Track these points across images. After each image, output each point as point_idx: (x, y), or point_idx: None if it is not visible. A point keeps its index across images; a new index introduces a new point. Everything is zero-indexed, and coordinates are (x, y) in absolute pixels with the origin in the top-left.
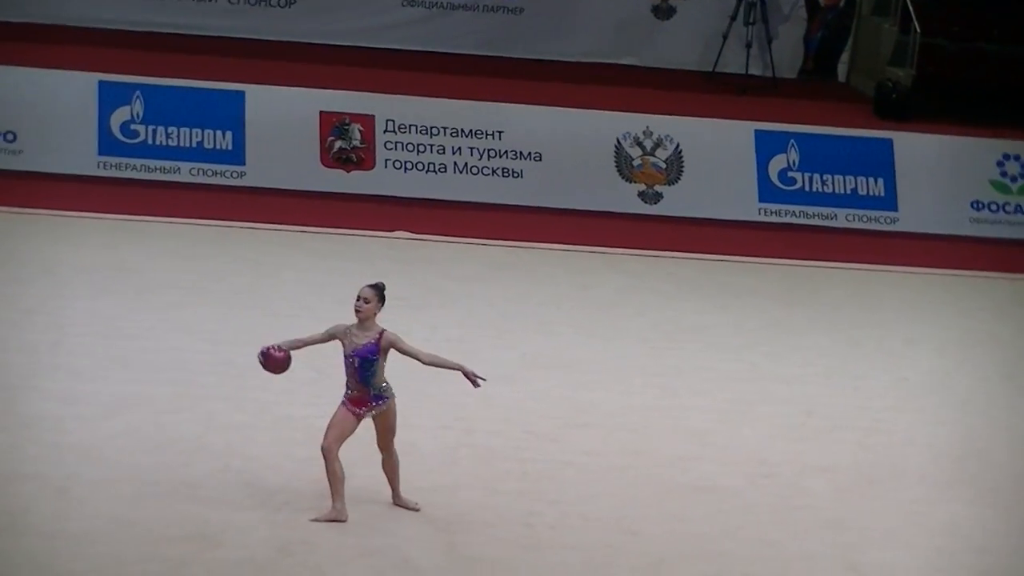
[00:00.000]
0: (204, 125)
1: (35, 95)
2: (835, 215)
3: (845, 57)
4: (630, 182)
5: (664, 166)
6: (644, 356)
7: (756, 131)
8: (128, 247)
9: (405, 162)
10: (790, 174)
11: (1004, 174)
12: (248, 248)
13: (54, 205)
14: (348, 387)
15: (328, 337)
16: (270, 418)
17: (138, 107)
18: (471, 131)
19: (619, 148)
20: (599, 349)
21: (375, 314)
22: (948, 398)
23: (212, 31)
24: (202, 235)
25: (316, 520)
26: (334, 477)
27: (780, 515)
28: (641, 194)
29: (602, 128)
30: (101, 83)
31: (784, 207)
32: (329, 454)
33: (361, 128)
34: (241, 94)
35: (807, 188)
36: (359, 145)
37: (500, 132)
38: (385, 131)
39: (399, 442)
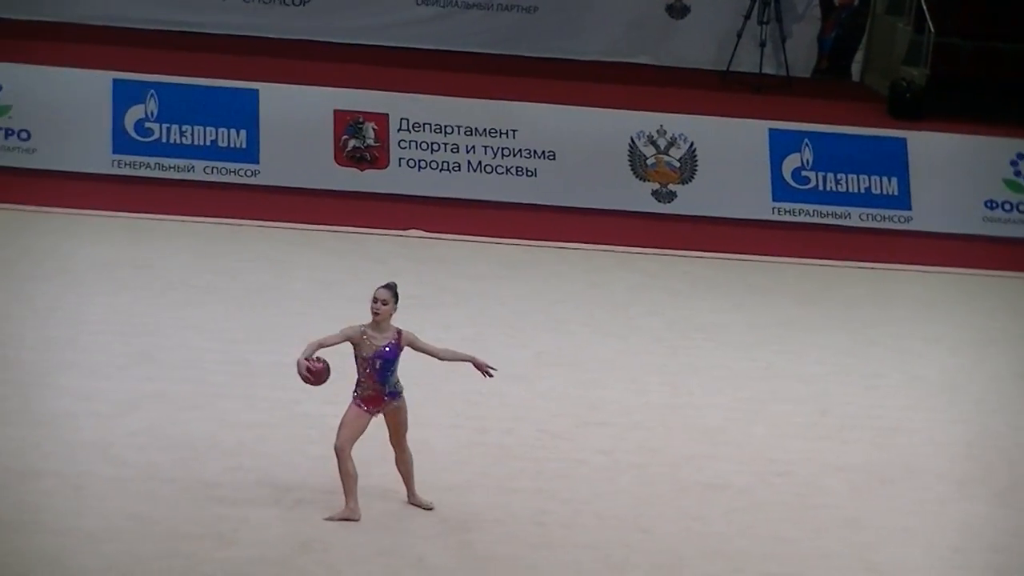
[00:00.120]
0: (218, 123)
1: (49, 93)
2: (849, 214)
3: (859, 56)
4: (644, 181)
5: (678, 165)
6: (658, 355)
7: (770, 130)
8: (142, 245)
9: (419, 161)
10: (804, 173)
11: (1018, 173)
12: (262, 246)
13: (68, 203)
14: (361, 387)
15: (343, 339)
16: (284, 416)
17: (152, 105)
18: (485, 130)
19: (633, 147)
20: (613, 348)
21: (391, 315)
22: (962, 397)
23: (226, 29)
24: (216, 233)
25: (330, 519)
26: (347, 476)
27: (795, 514)
28: (655, 193)
29: (616, 127)
30: (115, 81)
31: (798, 206)
32: (342, 453)
33: (375, 127)
34: (255, 92)
35: (821, 187)
36: (373, 144)
37: (514, 131)
38: (399, 130)
39: (412, 440)
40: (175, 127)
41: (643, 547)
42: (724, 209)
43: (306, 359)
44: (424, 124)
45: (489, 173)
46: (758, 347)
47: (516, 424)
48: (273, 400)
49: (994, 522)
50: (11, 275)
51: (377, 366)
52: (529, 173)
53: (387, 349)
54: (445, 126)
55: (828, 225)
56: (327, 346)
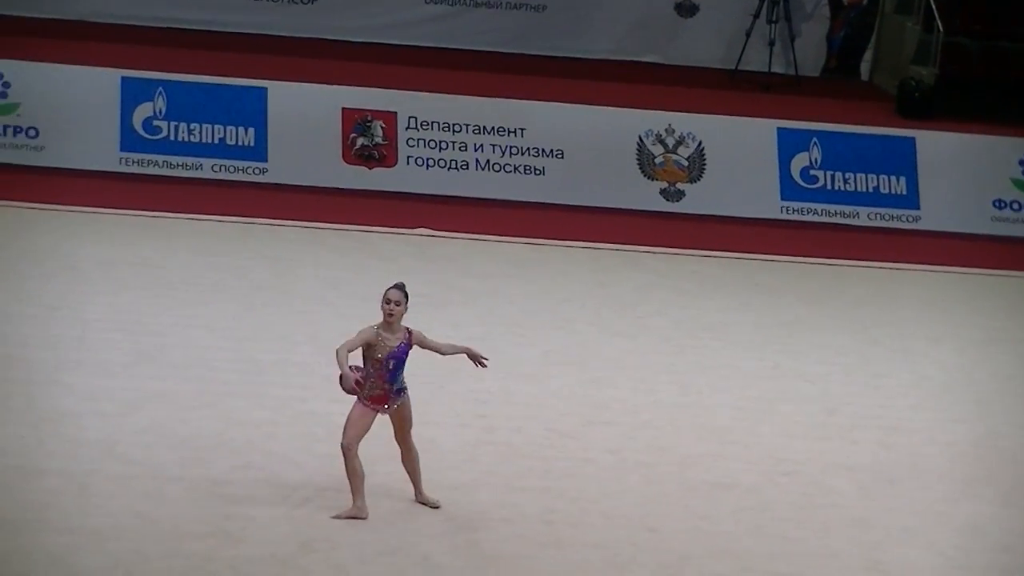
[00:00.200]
0: (226, 121)
1: (58, 91)
2: (857, 213)
3: (868, 55)
4: (652, 180)
5: (686, 164)
6: (666, 354)
7: (779, 129)
8: (150, 243)
9: (427, 159)
10: (812, 172)
11: None
12: (270, 244)
13: (76, 201)
14: (369, 386)
15: (362, 342)
16: (291, 414)
17: (160, 103)
18: (493, 128)
19: (641, 146)
20: (621, 347)
21: (403, 315)
22: (969, 397)
23: (235, 27)
24: (224, 231)
25: (337, 517)
26: (354, 475)
27: (802, 513)
28: (663, 192)
29: (624, 126)
30: (124, 79)
31: (806, 205)
32: (349, 452)
33: (383, 125)
34: (263, 90)
35: (829, 186)
36: (381, 142)
37: (522, 129)
38: (407, 128)
39: (420, 438)
40: (183, 125)
41: (650, 546)
42: (732, 208)
43: (354, 371)
44: (432, 122)
45: (497, 172)
46: (766, 346)
47: (524, 423)
48: (280, 398)
49: (1000, 522)
50: (18, 273)
51: (390, 367)
52: (537, 172)
53: (399, 349)
54: (453, 124)
55: (836, 224)
56: (352, 351)
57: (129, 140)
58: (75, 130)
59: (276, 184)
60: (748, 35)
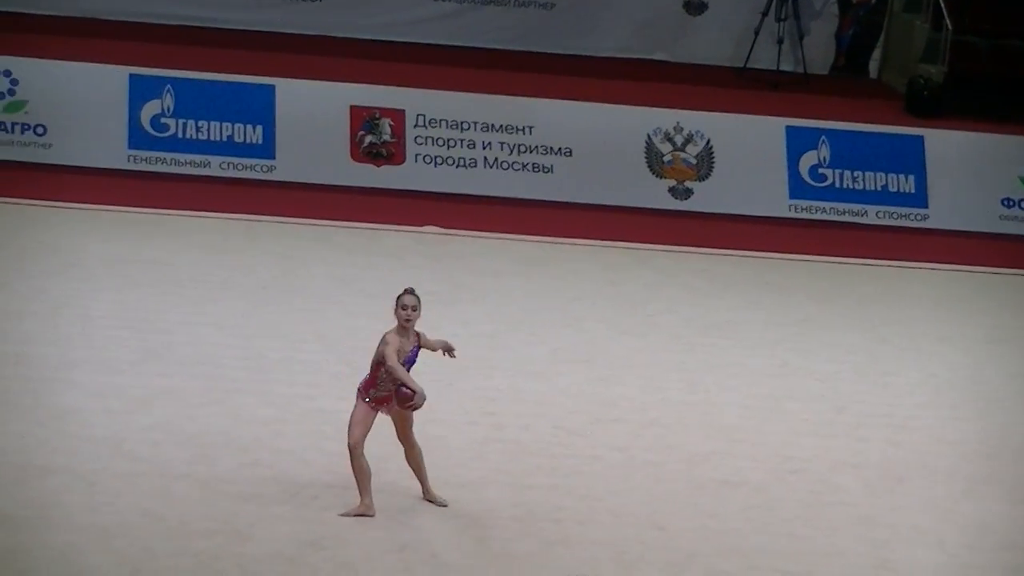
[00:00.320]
0: (234, 119)
1: (65, 89)
2: (866, 211)
3: (877, 54)
4: (660, 178)
5: (694, 162)
6: (674, 352)
7: (787, 127)
8: (158, 241)
9: (435, 157)
10: (821, 170)
11: None
12: (278, 242)
13: (84, 199)
14: (377, 388)
15: (397, 349)
16: (299, 412)
17: (168, 101)
18: (501, 126)
19: (649, 144)
20: (629, 345)
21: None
22: (978, 395)
23: (243, 25)
24: (232, 229)
25: (345, 515)
26: (361, 473)
27: (810, 511)
28: (671, 190)
29: (632, 123)
30: (132, 76)
31: (815, 203)
32: (355, 450)
33: (391, 122)
34: (271, 88)
35: (838, 184)
36: (389, 139)
37: (530, 127)
38: (415, 126)
39: (427, 436)
40: (191, 122)
41: (658, 544)
42: (741, 206)
43: (407, 390)
44: (440, 120)
45: (505, 169)
46: (774, 344)
47: (532, 421)
48: (288, 396)
49: (1008, 520)
50: (25, 270)
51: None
52: (545, 170)
53: (412, 352)
54: (461, 122)
55: (845, 223)
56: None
57: (137, 137)
58: (83, 127)
59: (284, 182)
60: (757, 33)
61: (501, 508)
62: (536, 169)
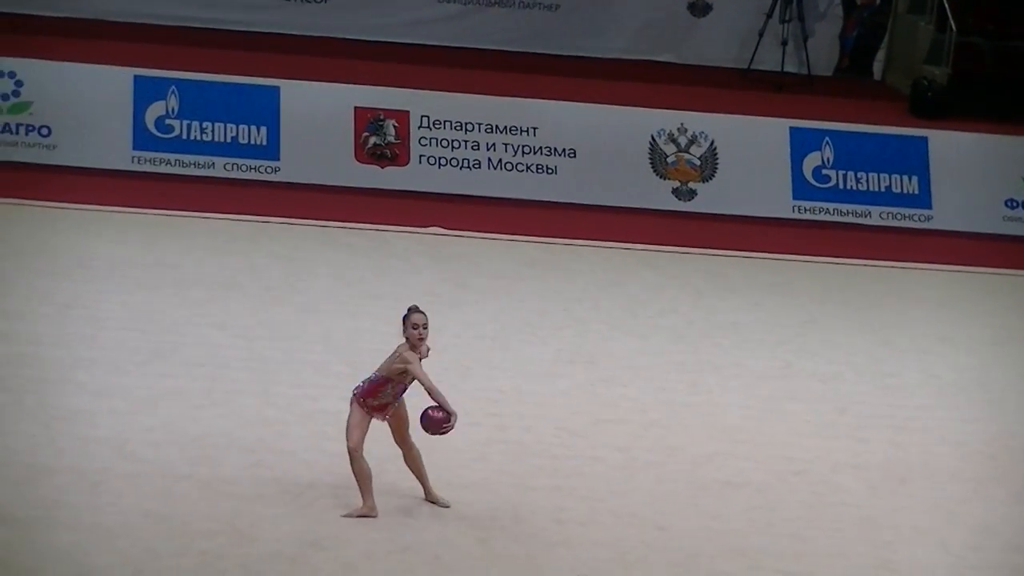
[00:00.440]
0: (239, 120)
1: (70, 90)
2: (869, 213)
3: (881, 55)
4: (664, 179)
5: (698, 163)
6: (677, 353)
7: (791, 128)
8: (162, 242)
9: (439, 158)
10: (824, 171)
11: None
12: (282, 243)
13: (89, 200)
14: (380, 397)
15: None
16: (302, 413)
17: (173, 102)
18: (505, 127)
19: (654, 145)
20: (632, 346)
21: None
22: (980, 396)
23: (247, 26)
24: (236, 230)
25: (347, 516)
26: (362, 475)
27: (813, 512)
28: (675, 191)
29: (637, 125)
30: (136, 78)
31: (818, 204)
32: (355, 453)
33: (396, 124)
34: (276, 89)
35: (841, 185)
36: (393, 141)
37: (535, 128)
38: (420, 127)
39: (429, 438)
40: (196, 124)
41: (660, 545)
42: (744, 207)
43: (445, 412)
44: (445, 121)
45: (509, 171)
46: (777, 346)
47: (535, 422)
48: (291, 397)
49: (1011, 521)
50: (30, 271)
51: (407, 382)
52: (549, 171)
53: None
54: (466, 123)
55: (848, 224)
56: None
57: (142, 139)
58: (87, 129)
59: (288, 183)
60: (761, 35)
61: (503, 509)
62: (540, 170)
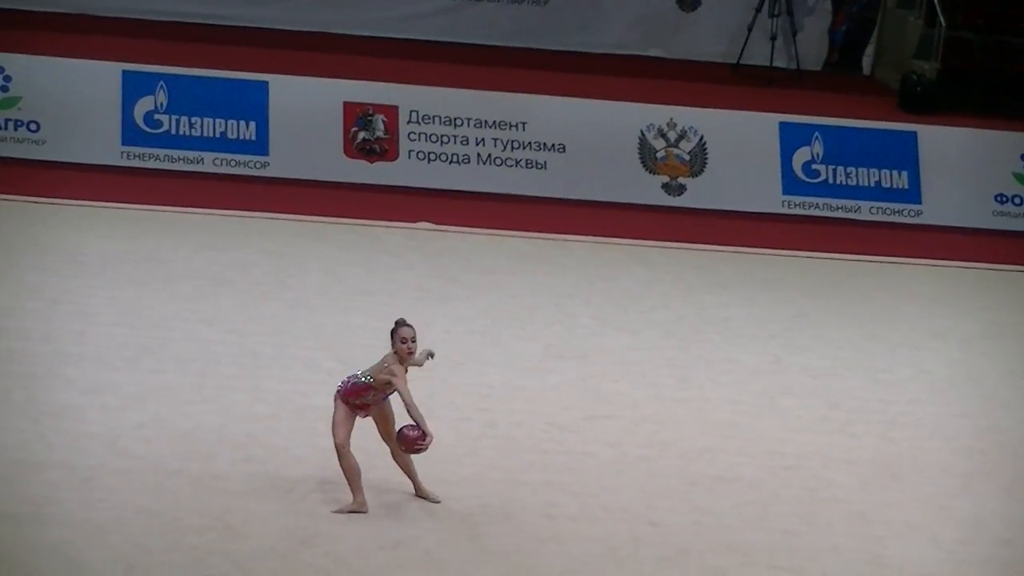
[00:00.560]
0: (228, 115)
1: (59, 85)
2: (859, 207)
3: (870, 50)
4: (654, 174)
5: (688, 158)
6: (667, 348)
7: (780, 123)
8: (151, 237)
9: (428, 153)
10: (814, 166)
11: None
12: (271, 239)
13: (77, 195)
14: (360, 397)
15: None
16: (292, 408)
17: (162, 97)
18: (495, 122)
19: (643, 140)
20: (622, 341)
21: None
22: (972, 391)
23: (236, 21)
24: (225, 225)
25: (338, 512)
26: (351, 471)
27: (804, 507)
28: (665, 186)
29: (626, 120)
30: (125, 73)
31: (808, 199)
32: (343, 449)
33: (385, 119)
34: (265, 84)
35: (831, 180)
36: (382, 136)
37: (524, 123)
38: (409, 122)
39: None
40: (184, 119)
41: (651, 540)
42: (734, 202)
43: (421, 431)
44: (434, 116)
45: (499, 166)
46: (767, 341)
47: (525, 417)
48: (281, 393)
49: (1002, 516)
50: (19, 267)
51: (390, 392)
52: (539, 166)
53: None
54: (455, 118)
55: (838, 218)
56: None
57: (130, 134)
58: (76, 124)
59: (277, 178)
60: (750, 29)
61: (494, 505)
62: (529, 165)
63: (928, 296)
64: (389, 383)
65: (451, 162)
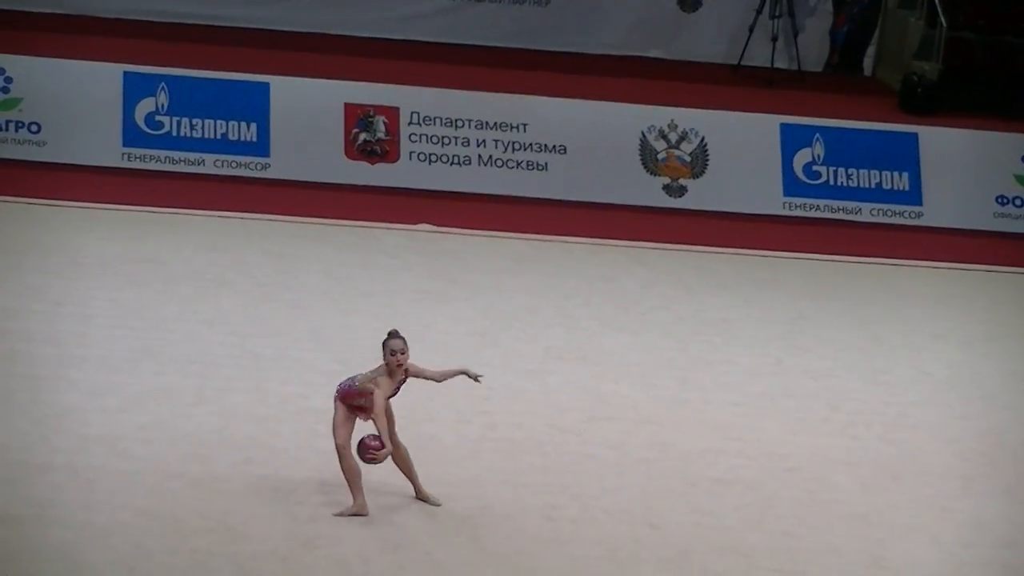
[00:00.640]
0: (229, 117)
1: (60, 86)
2: (860, 209)
3: (871, 51)
4: (655, 175)
5: (689, 159)
6: (668, 349)
7: (781, 124)
8: (152, 239)
9: (429, 154)
10: (815, 168)
11: None
12: (272, 240)
13: (78, 197)
14: (356, 401)
15: (387, 396)
16: (293, 410)
17: (163, 98)
18: (496, 123)
19: (644, 141)
20: (623, 342)
21: None
22: (972, 393)
23: (237, 22)
24: (226, 227)
25: (339, 514)
26: (351, 473)
27: (805, 509)
28: (666, 187)
29: (627, 121)
30: (126, 74)
31: (809, 201)
32: (344, 451)
33: (385, 120)
34: (266, 85)
35: (832, 182)
36: (383, 137)
37: (525, 125)
38: (410, 123)
39: (421, 435)
40: (186, 120)
41: (652, 542)
42: (735, 204)
43: (381, 442)
44: (435, 118)
45: (500, 167)
46: (768, 342)
47: (525, 419)
48: (282, 395)
49: (1004, 517)
50: (21, 268)
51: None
52: (540, 167)
53: (398, 387)
54: (456, 120)
55: (839, 220)
56: (390, 420)
57: (131, 135)
58: (77, 125)
59: (278, 179)
60: (751, 30)
61: (494, 507)
62: (531, 167)
63: (929, 298)
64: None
65: (452, 163)
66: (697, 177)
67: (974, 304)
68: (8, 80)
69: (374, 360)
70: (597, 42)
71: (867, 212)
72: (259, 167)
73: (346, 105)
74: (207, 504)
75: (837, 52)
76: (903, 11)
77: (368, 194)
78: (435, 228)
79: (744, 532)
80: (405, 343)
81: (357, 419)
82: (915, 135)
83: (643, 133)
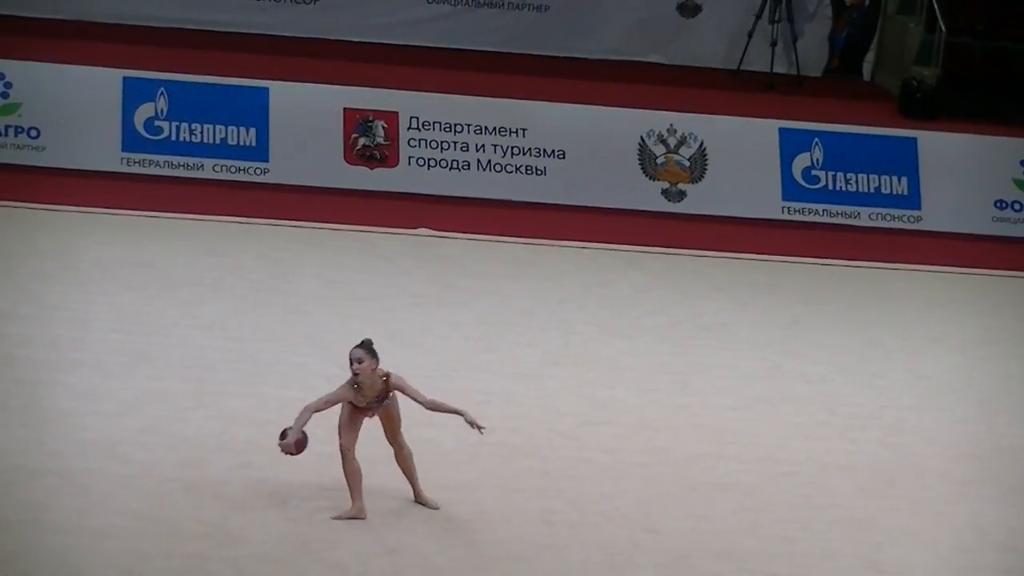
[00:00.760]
0: (228, 121)
1: (59, 91)
2: (859, 214)
3: (870, 56)
4: (654, 180)
5: (688, 164)
6: (666, 354)
7: (780, 129)
8: (151, 243)
9: (428, 159)
10: (814, 172)
11: None
12: (271, 245)
13: (77, 201)
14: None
15: (337, 401)
16: (290, 415)
17: (162, 103)
18: (495, 128)
19: (643, 146)
20: (620, 347)
21: (374, 369)
22: (970, 397)
23: (237, 27)
24: (225, 231)
25: (337, 518)
26: (353, 475)
27: (801, 513)
28: (664, 192)
29: (626, 126)
30: (125, 79)
31: (808, 205)
32: (347, 453)
33: (385, 125)
34: (265, 90)
35: (831, 186)
36: (383, 142)
37: (524, 129)
38: (409, 128)
39: (419, 439)
40: (185, 125)
41: (649, 546)
42: (734, 208)
43: (296, 436)
44: (434, 122)
45: (499, 172)
46: (765, 347)
47: (523, 424)
48: (279, 399)
49: (1001, 522)
50: (19, 273)
51: (372, 410)
52: (539, 172)
53: (379, 399)
54: (455, 124)
55: (838, 225)
56: (320, 411)
57: (131, 140)
58: (77, 130)
59: (277, 184)
60: (750, 35)
61: (492, 511)
62: (529, 171)
63: (927, 302)
64: (341, 400)
65: (451, 168)
66: (696, 181)
67: (972, 308)
68: (8, 85)
69: None
70: (596, 47)
71: (866, 216)
72: (258, 172)
73: (345, 110)
74: (204, 508)
75: (836, 57)
76: (902, 16)
77: (367, 198)
78: (433, 232)
79: (741, 536)
80: (365, 352)
81: (364, 421)
82: (914, 140)
83: (642, 138)
